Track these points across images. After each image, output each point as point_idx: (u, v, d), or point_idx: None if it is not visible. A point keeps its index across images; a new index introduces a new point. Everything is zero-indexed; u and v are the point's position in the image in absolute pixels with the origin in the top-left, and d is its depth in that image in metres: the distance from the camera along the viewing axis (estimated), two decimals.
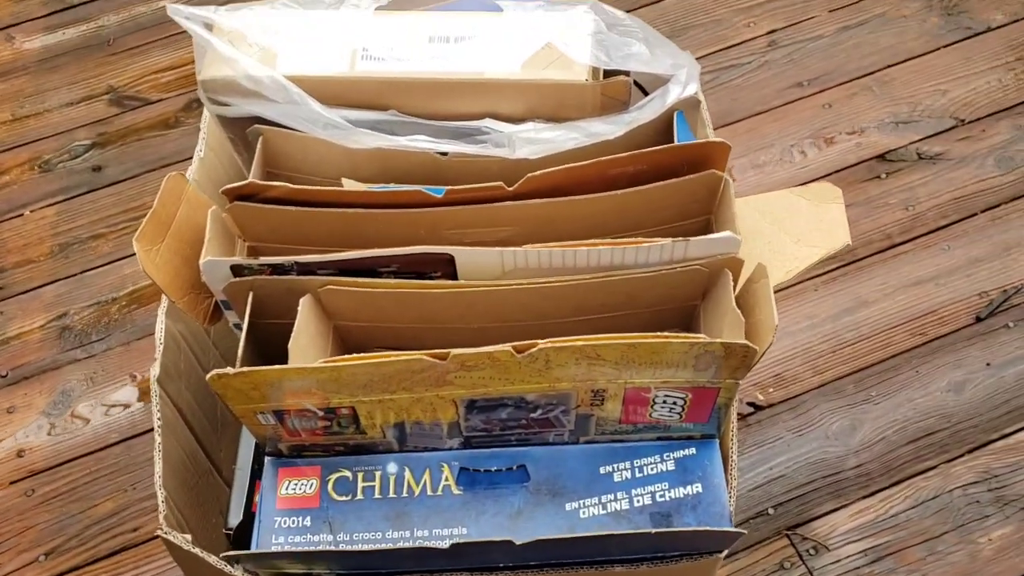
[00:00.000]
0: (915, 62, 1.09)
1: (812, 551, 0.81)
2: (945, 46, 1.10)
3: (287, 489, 0.59)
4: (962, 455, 0.85)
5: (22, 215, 1.06)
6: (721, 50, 1.12)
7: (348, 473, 0.60)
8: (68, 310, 0.98)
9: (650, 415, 0.58)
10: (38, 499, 0.87)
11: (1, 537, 0.85)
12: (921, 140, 1.03)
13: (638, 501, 0.58)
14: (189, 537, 0.57)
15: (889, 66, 1.09)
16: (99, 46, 1.19)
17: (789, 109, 1.07)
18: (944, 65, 1.09)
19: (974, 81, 1.07)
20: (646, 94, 0.61)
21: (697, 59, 0.61)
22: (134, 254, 1.02)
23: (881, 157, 1.03)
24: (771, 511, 0.83)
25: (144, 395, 0.93)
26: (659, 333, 0.51)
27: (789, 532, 0.82)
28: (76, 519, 0.86)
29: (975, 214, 0.98)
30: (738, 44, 1.12)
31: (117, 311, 0.98)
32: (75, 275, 1.01)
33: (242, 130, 0.60)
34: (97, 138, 1.11)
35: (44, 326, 0.97)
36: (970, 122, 1.04)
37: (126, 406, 0.92)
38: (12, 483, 0.88)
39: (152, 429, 0.89)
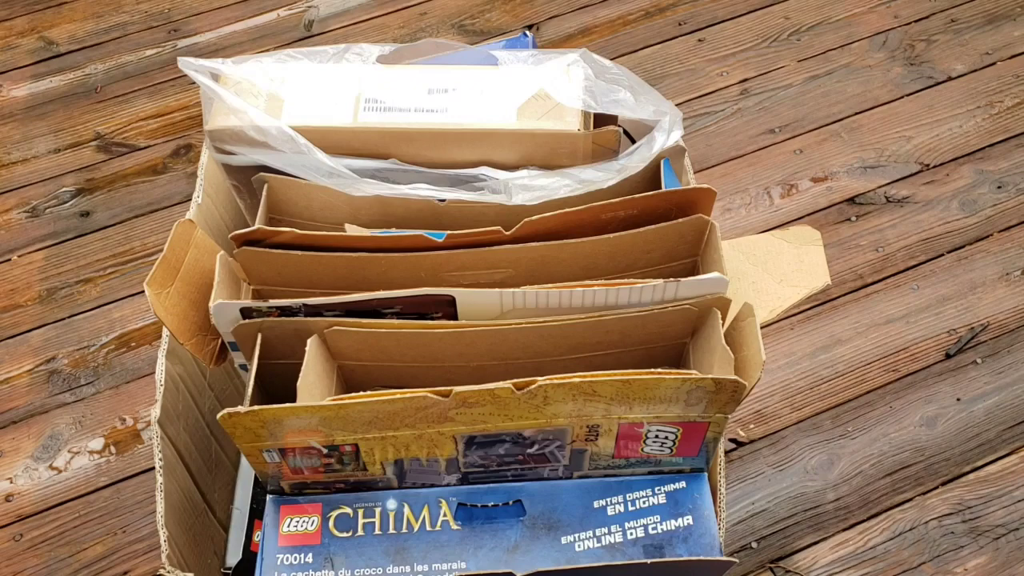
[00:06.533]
0: (881, 110, 1.14)
1: None
2: (909, 95, 1.15)
3: (289, 526, 0.60)
4: (936, 487, 0.88)
5: (10, 260, 1.06)
6: (696, 98, 1.16)
7: (348, 510, 0.61)
8: (56, 354, 0.99)
9: (642, 450, 0.60)
10: (26, 544, 0.87)
11: None
12: (888, 184, 1.08)
13: (631, 534, 0.60)
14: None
15: (856, 113, 1.14)
16: (86, 94, 1.21)
17: (762, 155, 1.11)
18: (908, 113, 1.13)
19: (937, 128, 1.12)
20: (633, 141, 0.64)
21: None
22: (122, 298, 1.05)
23: (851, 200, 1.07)
24: (754, 545, 0.85)
25: (119, 444, 0.93)
26: (652, 370, 0.54)
27: (772, 565, 0.84)
28: (65, 563, 0.86)
29: (942, 255, 1.02)
30: (712, 92, 1.17)
31: (105, 355, 0.99)
32: (63, 319, 1.02)
33: (246, 177, 0.62)
34: (85, 184, 1.12)
35: (32, 370, 0.98)
36: (934, 167, 1.09)
37: (114, 450, 0.93)
38: (1, 528, 0.88)
39: (143, 472, 0.91)
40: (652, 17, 1.25)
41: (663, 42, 1.22)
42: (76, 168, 1.14)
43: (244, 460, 0.76)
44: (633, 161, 0.59)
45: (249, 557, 0.68)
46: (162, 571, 0.58)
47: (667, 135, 0.61)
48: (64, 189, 1.12)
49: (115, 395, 0.96)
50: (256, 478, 0.73)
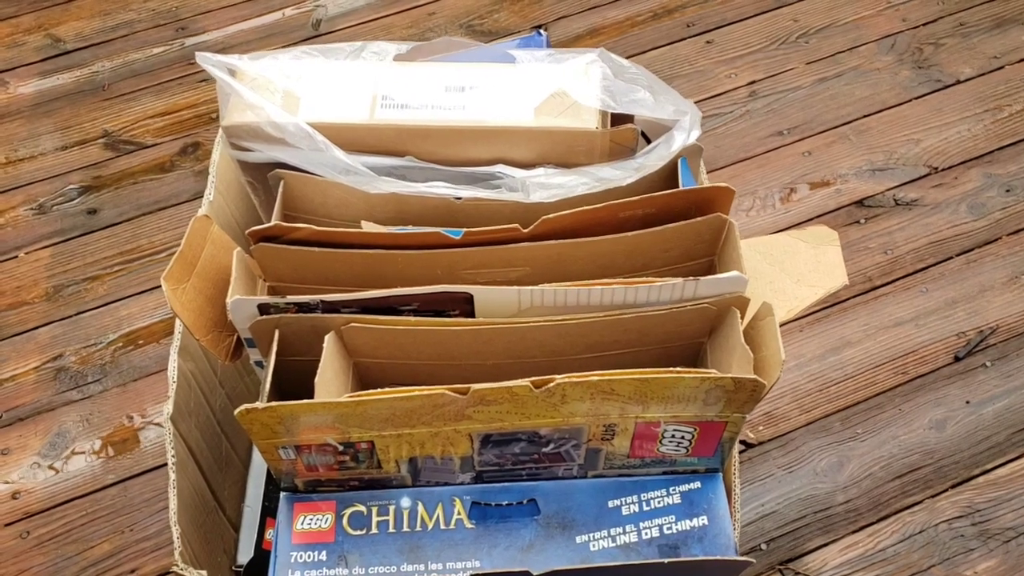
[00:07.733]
0: (889, 112, 1.14)
1: None
2: (917, 98, 1.15)
3: (302, 524, 0.60)
4: (946, 490, 0.88)
5: (16, 257, 1.06)
6: (704, 99, 1.16)
7: (362, 508, 0.61)
8: (63, 352, 0.99)
9: (658, 450, 0.60)
10: (33, 541, 0.87)
11: None
12: (897, 187, 1.08)
13: (646, 534, 0.60)
14: (204, 573, 0.58)
15: (865, 116, 1.14)
16: (93, 91, 1.21)
17: (771, 156, 1.11)
18: (917, 116, 1.13)
19: (945, 131, 1.12)
20: (648, 141, 0.64)
21: None
22: (129, 296, 1.04)
23: (859, 203, 1.07)
24: (764, 546, 0.85)
25: (126, 442, 0.93)
26: (671, 368, 0.53)
27: (782, 567, 0.84)
28: (72, 561, 0.86)
29: (951, 257, 1.02)
30: (720, 94, 1.17)
31: (113, 353, 0.99)
32: (70, 317, 1.01)
33: (262, 174, 0.62)
34: (92, 182, 1.12)
35: (39, 368, 0.98)
36: (943, 170, 1.09)
37: (122, 448, 0.92)
38: (7, 525, 0.88)
39: (150, 470, 0.91)
40: (660, 18, 1.25)
41: (671, 43, 1.22)
42: (83, 165, 1.14)
43: (255, 458, 0.76)
44: (651, 159, 0.59)
45: (261, 555, 0.68)
46: (175, 568, 0.58)
47: (687, 134, 0.61)
48: (71, 186, 1.12)
49: (122, 393, 0.96)
50: (268, 476, 0.73)
